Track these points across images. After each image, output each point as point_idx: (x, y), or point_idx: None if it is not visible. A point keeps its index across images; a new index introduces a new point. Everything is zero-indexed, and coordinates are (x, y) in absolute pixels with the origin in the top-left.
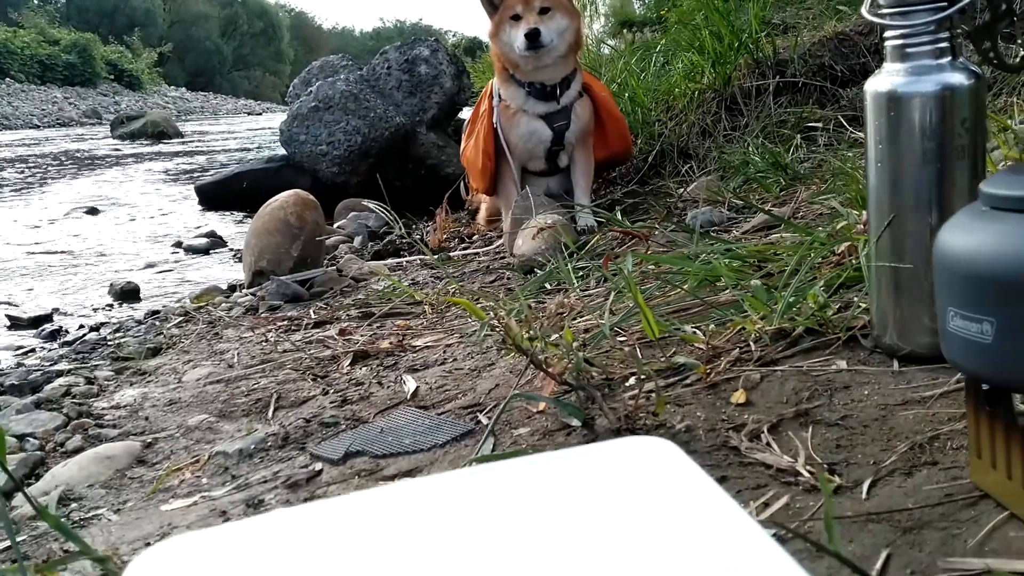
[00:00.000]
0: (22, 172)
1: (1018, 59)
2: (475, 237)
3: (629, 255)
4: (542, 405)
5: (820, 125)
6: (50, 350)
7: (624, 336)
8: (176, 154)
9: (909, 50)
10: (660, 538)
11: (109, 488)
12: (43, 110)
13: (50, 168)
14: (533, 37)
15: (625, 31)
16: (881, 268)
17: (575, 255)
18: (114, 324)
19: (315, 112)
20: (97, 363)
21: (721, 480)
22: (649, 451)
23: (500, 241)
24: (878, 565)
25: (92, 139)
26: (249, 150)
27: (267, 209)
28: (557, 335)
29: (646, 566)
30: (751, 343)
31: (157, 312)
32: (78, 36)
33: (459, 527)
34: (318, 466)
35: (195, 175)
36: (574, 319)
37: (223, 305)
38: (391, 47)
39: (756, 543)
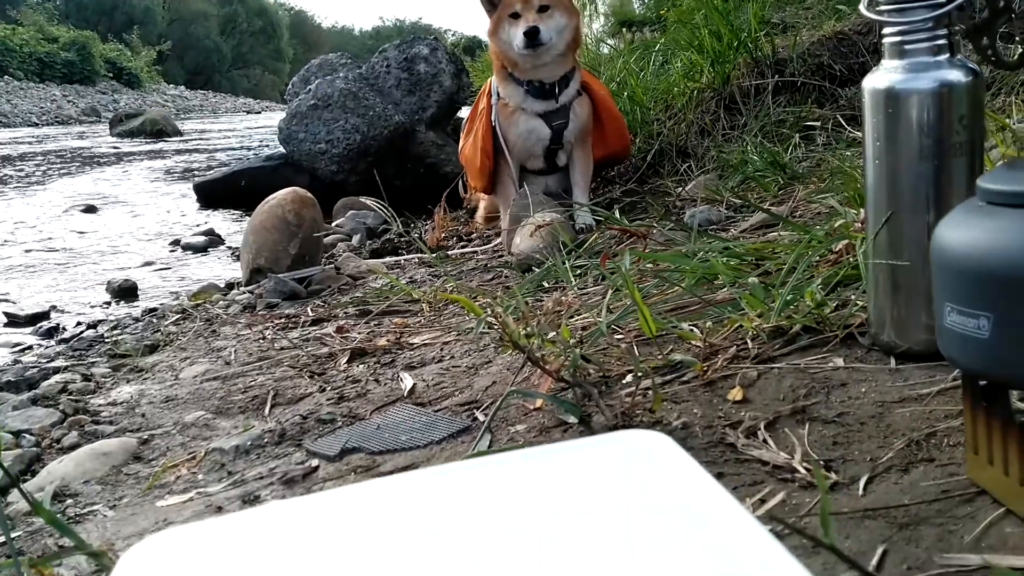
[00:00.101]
0: (21, 170)
1: (1016, 57)
2: (473, 236)
3: (627, 253)
4: (539, 402)
5: (819, 124)
6: (47, 347)
7: (621, 334)
8: (175, 152)
9: (907, 47)
10: (655, 529)
11: (105, 484)
12: (42, 108)
13: (48, 166)
14: (532, 35)
15: (624, 30)
16: (879, 266)
17: (573, 253)
18: (111, 322)
19: (314, 110)
20: (94, 360)
21: (718, 477)
22: (644, 444)
23: (498, 240)
24: (874, 561)
25: (91, 137)
26: (249, 148)
27: (265, 207)
28: (554, 332)
29: (641, 557)
30: (748, 341)
31: (155, 310)
32: (77, 34)
33: (454, 519)
34: (314, 462)
35: (194, 173)
36: (571, 317)
37: (221, 303)
38: (390, 45)
39: (750, 534)
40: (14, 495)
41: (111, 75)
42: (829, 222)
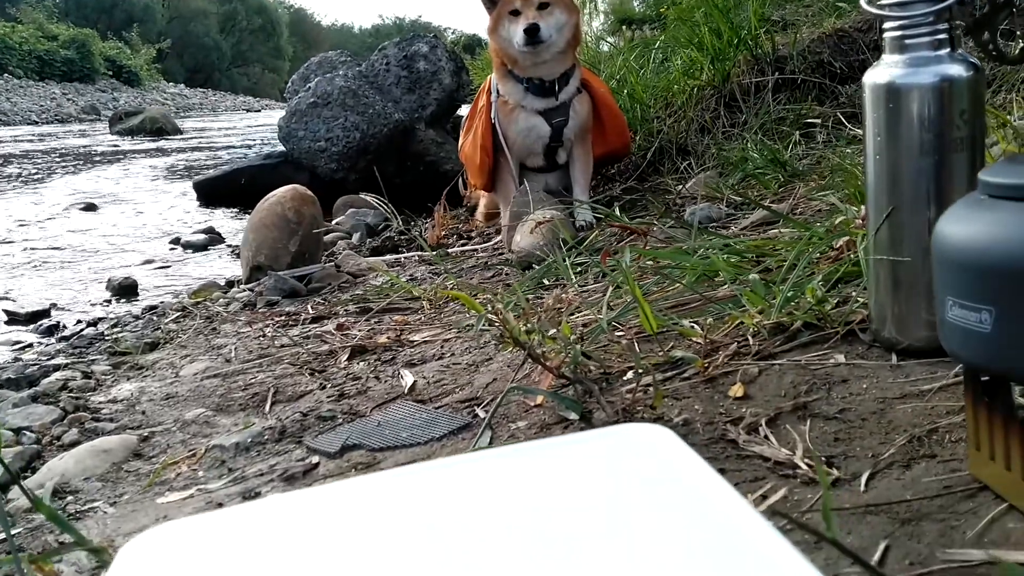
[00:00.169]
0: (20, 168)
1: (1017, 52)
2: (473, 234)
3: (627, 249)
4: (540, 399)
5: (819, 122)
6: (47, 345)
7: (622, 331)
8: (174, 150)
9: (908, 41)
10: (657, 521)
11: (105, 481)
12: (41, 106)
13: (48, 164)
14: (532, 32)
15: (624, 28)
16: (879, 262)
17: (573, 251)
18: (111, 319)
19: (313, 108)
20: (94, 358)
21: (719, 473)
22: (646, 437)
23: (498, 237)
24: (876, 556)
25: (90, 135)
26: (249, 147)
27: (265, 204)
28: (555, 329)
29: (644, 549)
30: (749, 337)
31: (155, 307)
32: (76, 32)
33: (456, 511)
34: (315, 459)
35: (193, 172)
36: (572, 314)
37: (221, 301)
38: (390, 43)
39: (753, 527)
40: (14, 492)
41: (111, 73)
42: (830, 219)
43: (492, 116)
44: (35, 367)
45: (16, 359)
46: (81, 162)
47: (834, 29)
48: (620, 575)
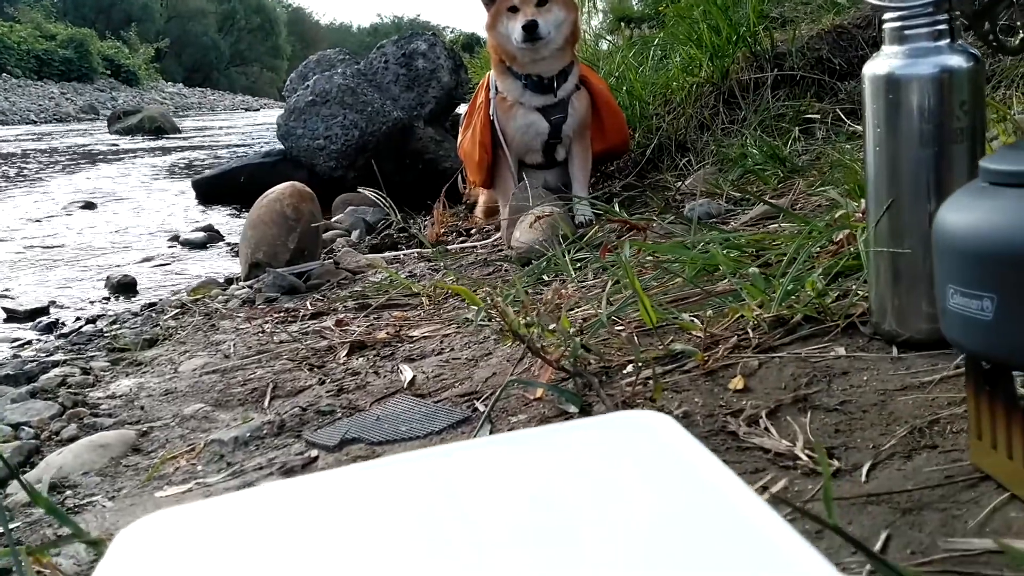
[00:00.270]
0: (19, 167)
1: (1017, 42)
2: (473, 231)
3: (627, 243)
4: (539, 392)
5: (818, 118)
6: (46, 342)
7: (622, 325)
8: (173, 149)
9: (907, 32)
10: (659, 505)
11: (104, 476)
12: (40, 105)
13: (47, 163)
14: (531, 29)
15: (623, 26)
16: (880, 254)
17: (573, 246)
18: (110, 316)
19: (312, 106)
20: (93, 354)
21: None
22: (647, 423)
23: (498, 234)
24: (878, 545)
25: (89, 134)
26: (248, 145)
27: (263, 201)
28: (554, 323)
29: (647, 532)
30: (749, 330)
31: (154, 305)
32: (75, 31)
33: (455, 497)
34: (314, 453)
35: (192, 170)
36: (571, 309)
37: (220, 297)
38: (388, 41)
39: (754, 511)
40: (13, 486)
41: (109, 72)
42: (830, 213)
43: (491, 113)
44: (34, 363)
45: (15, 356)
46: (80, 161)
47: (833, 25)
48: (623, 559)
